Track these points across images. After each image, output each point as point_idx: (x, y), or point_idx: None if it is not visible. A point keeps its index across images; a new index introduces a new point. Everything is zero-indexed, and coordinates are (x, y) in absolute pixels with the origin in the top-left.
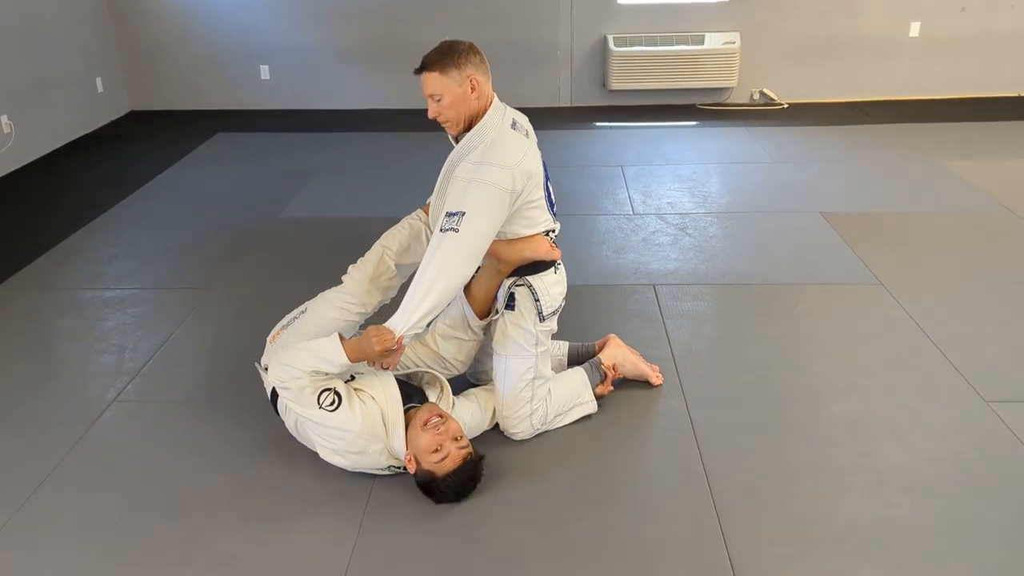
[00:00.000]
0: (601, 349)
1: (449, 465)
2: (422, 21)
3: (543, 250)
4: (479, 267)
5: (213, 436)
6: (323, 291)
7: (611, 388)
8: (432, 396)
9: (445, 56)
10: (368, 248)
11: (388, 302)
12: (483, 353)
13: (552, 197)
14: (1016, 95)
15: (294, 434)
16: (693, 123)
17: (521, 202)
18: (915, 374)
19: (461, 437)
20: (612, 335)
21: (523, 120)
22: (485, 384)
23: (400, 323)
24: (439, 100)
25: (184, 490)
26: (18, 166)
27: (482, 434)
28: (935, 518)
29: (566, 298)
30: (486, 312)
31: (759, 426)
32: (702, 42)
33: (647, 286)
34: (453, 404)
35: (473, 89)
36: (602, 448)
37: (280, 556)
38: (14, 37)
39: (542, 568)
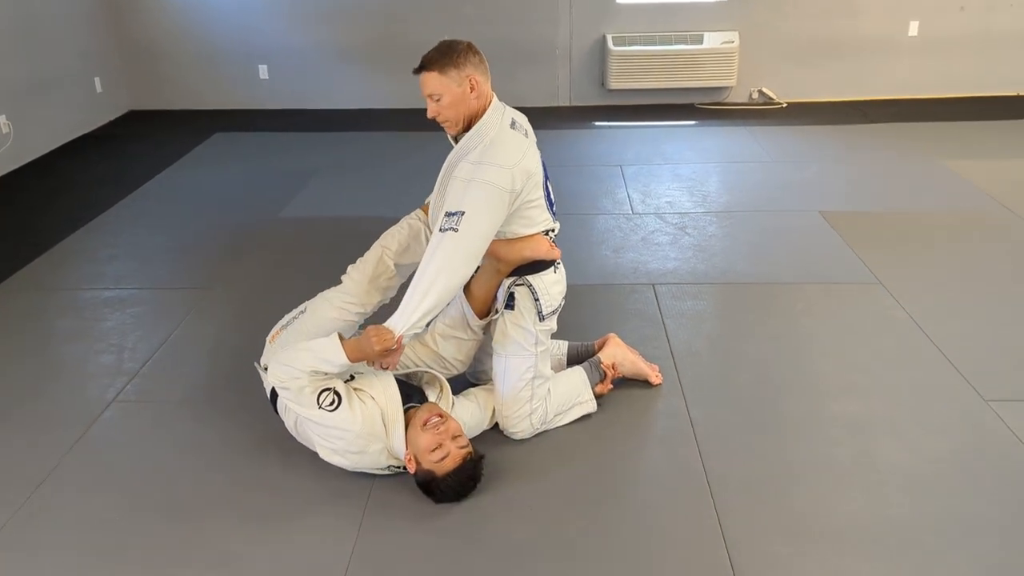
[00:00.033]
0: (600, 348)
1: (449, 465)
2: (421, 20)
3: (543, 249)
4: (479, 267)
5: (212, 436)
6: (322, 291)
7: (610, 387)
8: (432, 396)
9: (444, 56)
10: (367, 248)
11: (387, 302)
12: (483, 352)
13: (551, 196)
14: (1015, 94)
15: (294, 434)
16: (692, 122)
17: (520, 202)
18: (914, 373)
19: (461, 436)
20: (611, 334)
21: (522, 120)
22: (485, 384)
23: (399, 323)
24: (438, 100)
25: (183, 490)
26: (16, 166)
27: (482, 433)
28: (934, 516)
29: (565, 297)
30: (486, 312)
31: (759, 425)
32: (701, 41)
33: (646, 285)
34: (453, 404)
35: (472, 89)
36: (602, 447)
37: (280, 556)
38: (12, 37)
39: (542, 567)
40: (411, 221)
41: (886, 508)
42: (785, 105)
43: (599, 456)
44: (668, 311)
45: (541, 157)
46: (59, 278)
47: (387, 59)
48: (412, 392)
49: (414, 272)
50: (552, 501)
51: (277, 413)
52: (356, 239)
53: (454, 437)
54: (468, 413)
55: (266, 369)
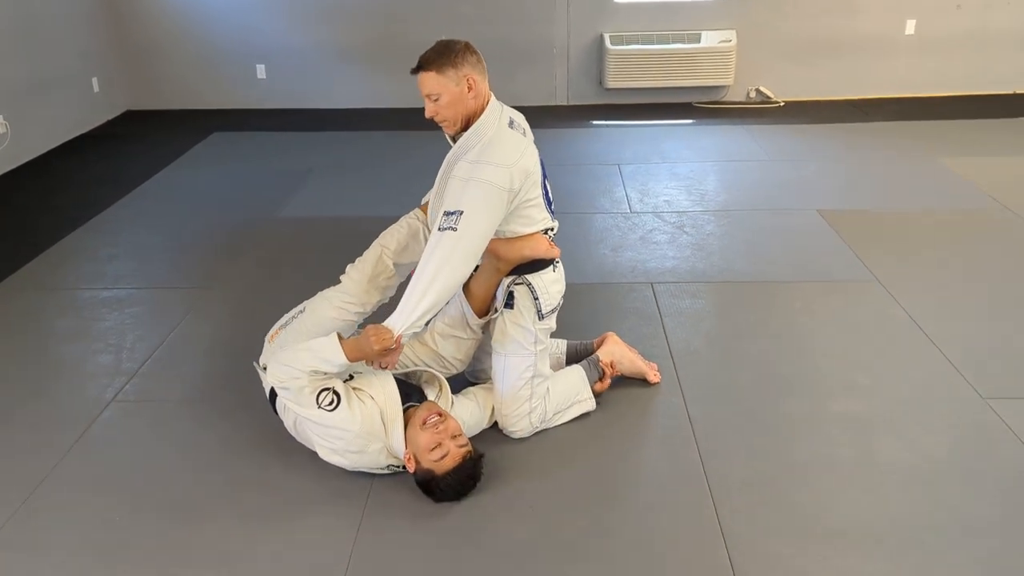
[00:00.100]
0: (599, 347)
1: (448, 464)
2: (419, 20)
3: (542, 248)
4: (478, 266)
5: (211, 436)
6: (321, 290)
7: (609, 385)
8: (431, 395)
9: (442, 56)
10: (366, 247)
11: (387, 301)
12: (482, 352)
13: (550, 195)
14: (1012, 92)
15: (293, 433)
16: (690, 121)
17: (519, 201)
18: (913, 371)
19: (460, 435)
20: (610, 333)
21: (520, 119)
22: (484, 383)
23: (399, 322)
24: (436, 99)
25: (183, 490)
26: (14, 166)
27: (481, 433)
28: (934, 515)
29: (564, 296)
30: (485, 311)
31: (758, 424)
32: (698, 40)
33: (645, 284)
34: (452, 403)
35: (470, 88)
36: (601, 446)
37: (280, 556)
38: (10, 37)
39: (542, 566)
40: (410, 220)
41: (886, 507)
42: (783, 104)
43: (599, 455)
44: (666, 310)
45: (539, 156)
46: (57, 278)
47: (385, 58)
48: (411, 391)
49: (413, 271)
50: (552, 500)
51: (276, 413)
52: (355, 239)
53: (453, 436)
54: (467, 412)
55: (265, 369)
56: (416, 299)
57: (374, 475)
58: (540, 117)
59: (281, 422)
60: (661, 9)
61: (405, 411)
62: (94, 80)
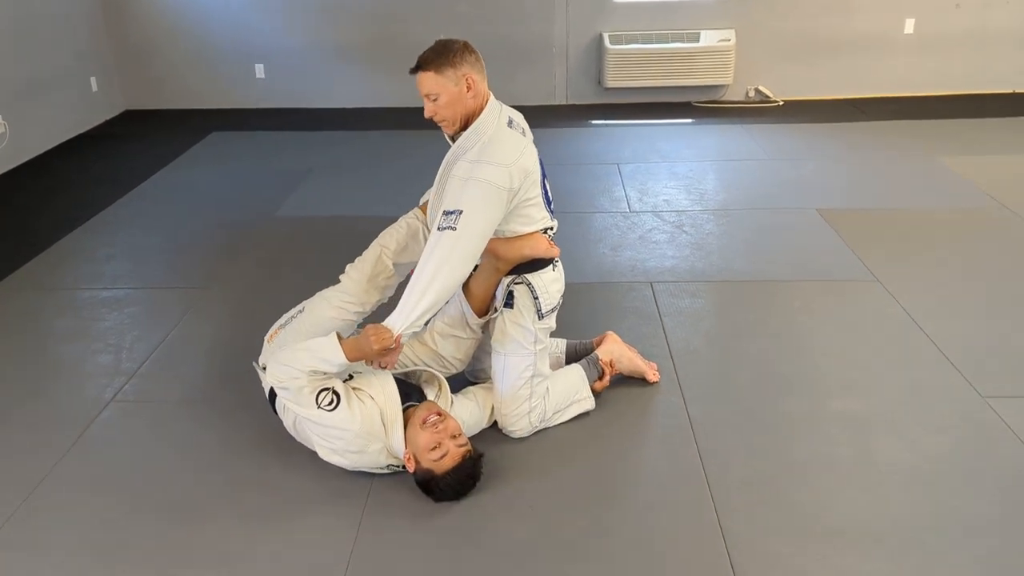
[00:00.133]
0: (598, 346)
1: (448, 463)
2: (417, 19)
3: (542, 248)
4: (477, 265)
5: (211, 436)
6: (320, 290)
7: (608, 384)
8: (430, 394)
9: (440, 55)
10: (365, 247)
11: (386, 301)
12: (481, 351)
13: (549, 195)
14: (1011, 91)
15: (292, 433)
16: (689, 121)
17: (518, 200)
18: (913, 371)
19: (460, 435)
20: (610, 332)
21: (519, 118)
22: (483, 382)
23: (398, 322)
24: (435, 99)
25: (182, 490)
26: (13, 166)
27: (481, 432)
28: (934, 514)
29: (564, 296)
30: (485, 310)
31: (757, 422)
32: (697, 40)
33: (644, 283)
34: (452, 402)
35: (469, 88)
36: (601, 445)
37: (279, 556)
38: (8, 37)
39: (542, 565)
40: (409, 220)
41: (886, 506)
42: (782, 103)
43: (598, 455)
44: (666, 309)
45: (538, 155)
46: (56, 278)
47: (384, 58)
48: (411, 391)
49: (412, 271)
50: (552, 500)
51: (276, 413)
52: (354, 238)
53: (453, 436)
54: (467, 412)
55: (264, 369)
56: (415, 299)
57: (374, 475)
58: (539, 116)
59: (281, 422)
60: (660, 8)
61: (405, 411)
62: (92, 80)
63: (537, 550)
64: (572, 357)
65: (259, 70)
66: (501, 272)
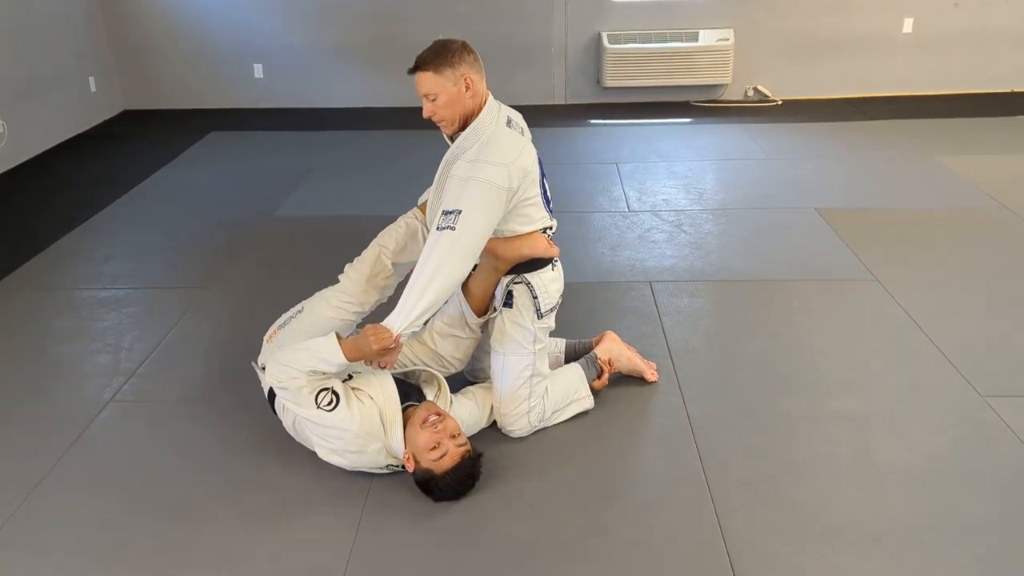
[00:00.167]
0: (597, 345)
1: (447, 463)
2: (417, 19)
3: (541, 247)
4: (477, 265)
5: (210, 436)
6: (320, 290)
7: (607, 383)
8: (430, 394)
9: (439, 55)
10: (364, 247)
11: (385, 301)
12: (481, 351)
13: (548, 194)
14: (1010, 91)
15: (292, 433)
16: (688, 120)
17: (517, 199)
18: (912, 370)
19: (459, 435)
20: (608, 331)
21: (518, 118)
22: (483, 382)
23: (397, 321)
24: (434, 99)
25: (182, 490)
26: (11, 166)
27: (480, 432)
28: (933, 514)
29: (563, 295)
30: (484, 310)
31: (756, 421)
32: (696, 39)
33: (643, 283)
34: (451, 402)
35: (467, 88)
36: (600, 445)
37: (279, 556)
38: (6, 37)
39: (541, 565)
40: (408, 220)
41: (885, 505)
42: (780, 102)
43: (598, 454)
44: (665, 308)
45: (537, 155)
46: (55, 278)
47: (383, 57)
48: (410, 391)
49: (411, 271)
50: (551, 500)
51: (275, 413)
52: (353, 238)
53: (452, 436)
54: (466, 411)
55: (263, 369)
56: (415, 298)
57: (373, 475)
58: (538, 116)
59: (280, 422)
60: (659, 8)
61: (404, 411)
62: (91, 80)
63: (536, 549)
64: (571, 357)
65: (258, 70)
66: (500, 272)
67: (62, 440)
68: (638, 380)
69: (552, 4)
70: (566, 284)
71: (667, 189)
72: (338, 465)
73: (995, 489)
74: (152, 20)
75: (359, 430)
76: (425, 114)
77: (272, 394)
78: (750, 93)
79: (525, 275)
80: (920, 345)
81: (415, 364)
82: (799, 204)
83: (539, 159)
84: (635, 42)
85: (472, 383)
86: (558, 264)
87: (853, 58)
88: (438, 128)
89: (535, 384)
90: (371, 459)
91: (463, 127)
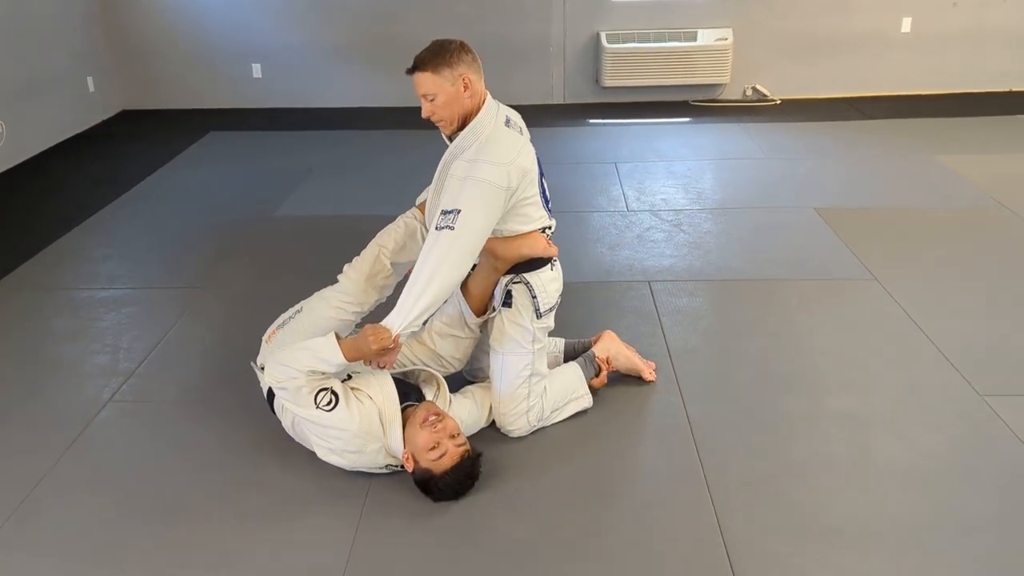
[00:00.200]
0: (596, 344)
1: (447, 463)
2: (415, 18)
3: (540, 247)
4: (476, 264)
5: (209, 436)
6: (318, 290)
7: (605, 381)
8: (429, 394)
9: (437, 56)
10: (363, 247)
11: (384, 301)
12: (479, 350)
13: (547, 194)
14: (1008, 90)
15: (291, 433)
16: (686, 119)
17: (516, 199)
18: (910, 368)
19: (458, 435)
20: (607, 331)
21: (516, 117)
22: (482, 381)
23: (397, 321)
24: (432, 100)
25: (180, 490)
26: (9, 166)
27: (479, 431)
28: (932, 512)
29: (562, 295)
30: (483, 309)
31: (756, 422)
32: (695, 38)
33: (642, 282)
34: (450, 402)
35: (466, 88)
36: (600, 445)
37: (278, 556)
38: (4, 37)
39: (541, 565)
40: (407, 220)
41: (884, 504)
42: (779, 102)
43: (597, 454)
44: (664, 308)
45: (536, 154)
46: (54, 278)
47: (381, 57)
48: (409, 391)
49: (410, 271)
50: (550, 499)
51: (274, 413)
52: (352, 238)
53: (452, 435)
54: (465, 411)
55: (262, 369)
56: (414, 298)
57: (372, 475)
58: (537, 116)
59: (279, 422)
60: (657, 7)
61: (403, 411)
62: (89, 80)
63: (536, 549)
64: (570, 356)
65: (256, 70)
66: (499, 271)
67: (61, 440)
68: (637, 380)
69: (551, 4)
70: (565, 284)
71: (666, 189)
72: (337, 465)
73: (993, 488)
74: (150, 20)
75: (358, 430)
76: (424, 114)
77: (271, 394)
78: (749, 92)
79: (524, 275)
80: (919, 344)
81: (414, 364)
82: (798, 203)
83: (538, 158)
84: (634, 41)
85: (471, 383)
86: (557, 264)
87: (852, 57)
88: (437, 128)
89: (534, 384)
90: (370, 459)
91: (462, 127)
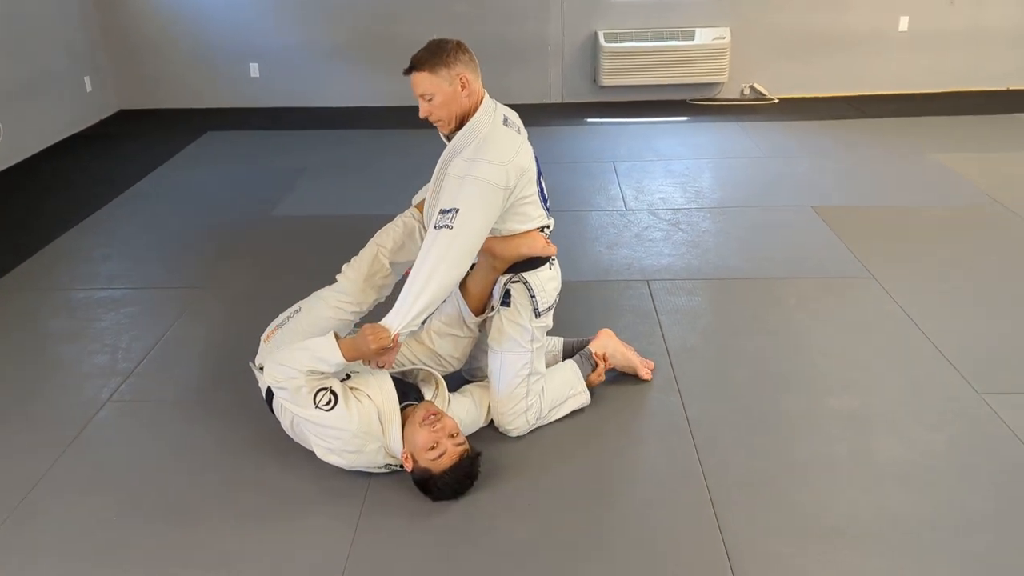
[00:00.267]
0: (592, 342)
1: (446, 462)
2: (413, 17)
3: (539, 246)
4: (474, 264)
5: (208, 436)
6: (317, 290)
7: (603, 378)
8: (428, 393)
9: (434, 55)
10: (361, 246)
11: (383, 300)
12: (478, 350)
13: (545, 193)
14: (1005, 88)
15: (290, 433)
16: (684, 118)
17: (514, 198)
18: (908, 367)
19: (457, 434)
20: (604, 329)
21: (514, 116)
22: (480, 381)
23: (395, 321)
24: (430, 99)
25: (179, 490)
26: (6, 166)
27: (478, 431)
28: (932, 511)
29: (560, 294)
30: (482, 309)
31: (755, 420)
32: (692, 37)
33: (641, 281)
34: (449, 401)
35: (463, 87)
36: (599, 444)
37: (277, 556)
38: (1, 37)
39: (540, 564)
40: (405, 219)
41: (884, 503)
42: (777, 100)
43: (597, 453)
44: (662, 307)
45: (534, 153)
46: (52, 278)
47: (380, 57)
48: (408, 390)
49: (409, 270)
50: (550, 499)
51: (273, 413)
52: (350, 237)
53: (451, 435)
54: (464, 410)
55: (261, 369)
56: (412, 298)
57: (371, 474)
58: (534, 115)
59: (278, 422)
60: (655, 6)
61: (402, 410)
62: (87, 79)
63: (535, 549)
64: (569, 355)
65: (254, 69)
66: (498, 271)
67: (60, 440)
68: (636, 379)
69: (549, 3)
70: (563, 283)
71: (664, 187)
72: (336, 465)
73: (992, 486)
74: (148, 19)
75: (357, 430)
76: (421, 114)
77: (270, 394)
78: (746, 91)
79: (523, 274)
80: (917, 343)
81: (413, 363)
82: (796, 202)
83: (536, 157)
84: (631, 41)
85: (470, 382)
86: (555, 263)
87: (849, 56)
88: (435, 127)
89: (532, 383)
90: (369, 458)
91: (459, 126)
